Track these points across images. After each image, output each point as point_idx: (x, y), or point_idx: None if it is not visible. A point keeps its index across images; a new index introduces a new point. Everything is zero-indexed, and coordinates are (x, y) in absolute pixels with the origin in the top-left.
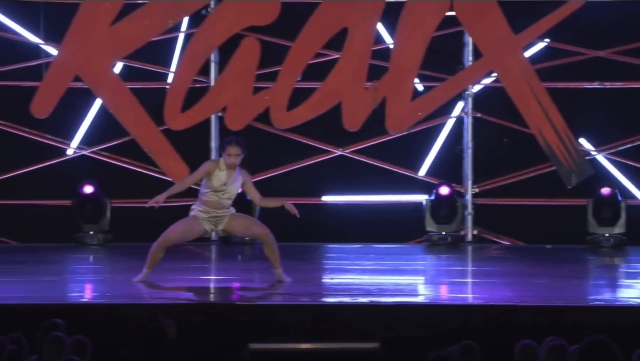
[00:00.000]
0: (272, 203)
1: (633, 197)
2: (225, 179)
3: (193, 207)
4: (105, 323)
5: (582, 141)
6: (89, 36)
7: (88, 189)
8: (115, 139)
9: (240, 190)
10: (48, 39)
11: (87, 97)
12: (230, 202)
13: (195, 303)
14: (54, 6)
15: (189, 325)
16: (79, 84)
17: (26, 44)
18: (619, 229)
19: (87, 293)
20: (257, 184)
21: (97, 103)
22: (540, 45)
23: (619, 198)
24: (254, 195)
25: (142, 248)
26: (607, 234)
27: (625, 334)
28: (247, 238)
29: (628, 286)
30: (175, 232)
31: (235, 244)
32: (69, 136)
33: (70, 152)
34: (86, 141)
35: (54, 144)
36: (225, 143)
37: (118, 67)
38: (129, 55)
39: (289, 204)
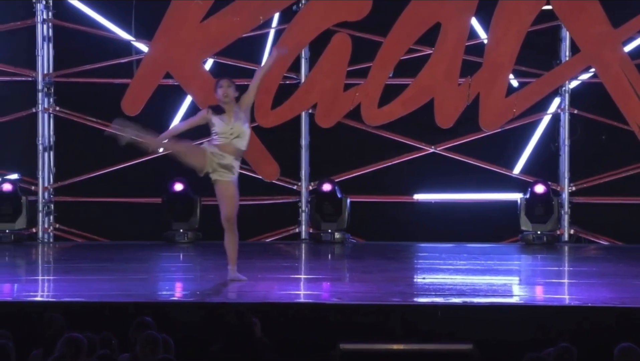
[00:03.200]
0: (265, 66)
1: None
2: (226, 119)
3: (205, 143)
4: (194, 321)
5: None
6: (180, 33)
7: (178, 186)
8: (206, 136)
9: (249, 128)
10: (139, 36)
11: (177, 94)
12: (243, 143)
13: (284, 302)
14: (145, 3)
15: (278, 323)
16: (169, 81)
17: (118, 41)
18: None
19: (177, 291)
20: (347, 182)
21: (188, 100)
22: None
23: None
24: (253, 84)
25: None
26: None
27: None
28: (337, 237)
29: None
30: (182, 144)
31: (326, 243)
32: (160, 133)
33: (161, 149)
34: (177, 138)
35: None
36: (215, 83)
37: (208, 64)
38: (220, 51)
39: (279, 49)
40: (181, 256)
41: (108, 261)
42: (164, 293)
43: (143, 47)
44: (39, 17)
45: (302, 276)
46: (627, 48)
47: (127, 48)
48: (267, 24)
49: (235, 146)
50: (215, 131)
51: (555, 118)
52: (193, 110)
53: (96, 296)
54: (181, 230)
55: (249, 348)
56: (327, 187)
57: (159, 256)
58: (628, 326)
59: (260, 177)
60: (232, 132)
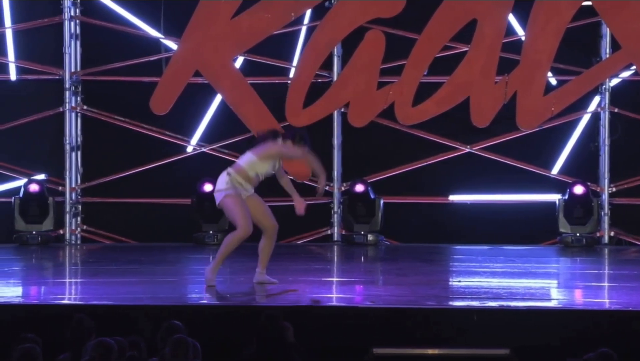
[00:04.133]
0: (290, 188)
1: None
2: (278, 165)
3: (226, 182)
4: (223, 325)
5: None
6: (210, 30)
7: (208, 187)
8: (236, 136)
9: None
10: (168, 34)
11: (207, 93)
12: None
13: (316, 306)
14: (174, 0)
15: (310, 327)
16: (199, 79)
17: (146, 39)
18: None
19: (206, 295)
20: (380, 183)
21: (217, 99)
22: None
23: None
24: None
25: None
26: None
27: None
28: (371, 239)
29: None
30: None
31: (359, 245)
32: (189, 133)
33: (190, 149)
34: (206, 138)
35: (174, 141)
36: (302, 139)
37: (239, 62)
38: (250, 49)
39: (300, 203)
40: (211, 258)
41: (136, 263)
42: (194, 296)
43: (172, 45)
44: (66, 14)
45: (335, 279)
46: None
47: (155, 46)
48: (299, 20)
49: (257, 181)
50: (269, 165)
51: (595, 117)
52: (223, 108)
53: (124, 299)
54: (211, 232)
55: (280, 353)
56: (359, 188)
57: (189, 258)
58: None
59: (292, 177)
60: (268, 174)
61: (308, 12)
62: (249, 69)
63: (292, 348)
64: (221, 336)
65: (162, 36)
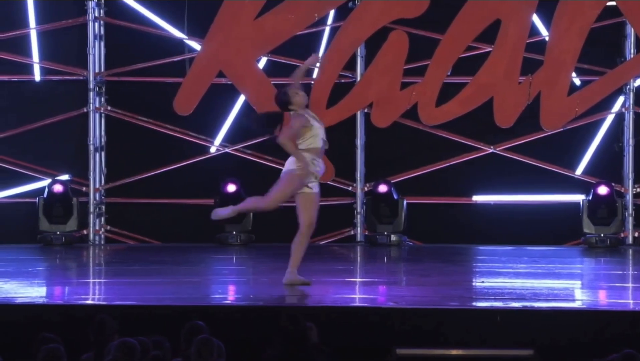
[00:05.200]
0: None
1: None
2: (312, 114)
3: (295, 168)
4: (247, 325)
5: None
6: (233, 31)
7: (231, 187)
8: (259, 137)
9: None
10: (192, 34)
11: (230, 93)
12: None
13: (340, 306)
14: (198, 1)
15: (333, 328)
16: (222, 80)
17: (170, 39)
18: None
19: (229, 295)
20: (405, 183)
21: (241, 99)
22: None
23: None
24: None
25: (284, 249)
26: None
27: None
28: (394, 239)
29: None
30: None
31: (382, 245)
32: (213, 134)
33: (213, 150)
34: (230, 139)
35: (197, 141)
36: (284, 93)
37: (262, 62)
38: (274, 49)
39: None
40: (234, 259)
41: (159, 264)
42: (217, 296)
43: (196, 46)
44: (90, 15)
45: (358, 280)
46: None
47: (179, 46)
48: (323, 21)
49: (321, 143)
50: (313, 134)
51: (619, 117)
52: (246, 109)
53: (148, 300)
54: (234, 232)
55: (303, 354)
56: (383, 188)
57: (211, 259)
58: None
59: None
60: (322, 132)
61: (332, 13)
62: (273, 69)
63: (316, 349)
64: (244, 336)
65: (186, 37)
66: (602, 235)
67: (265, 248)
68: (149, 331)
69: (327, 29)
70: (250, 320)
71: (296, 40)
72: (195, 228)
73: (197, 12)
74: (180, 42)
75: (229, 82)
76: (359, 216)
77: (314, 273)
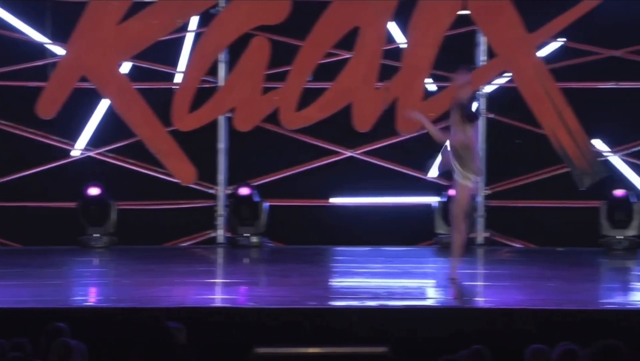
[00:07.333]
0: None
1: None
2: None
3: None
4: (109, 327)
5: (597, 142)
6: (96, 36)
7: (93, 191)
8: (122, 140)
9: None
10: (54, 39)
11: (93, 98)
12: None
13: (200, 307)
14: (61, 5)
15: (194, 328)
16: (85, 84)
17: (31, 44)
18: (632, 231)
19: (91, 297)
20: (266, 186)
21: (104, 104)
22: (555, 45)
23: (633, 199)
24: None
25: (147, 251)
26: (620, 237)
27: (637, 337)
28: (255, 241)
29: None
30: None
31: (243, 247)
32: (75, 137)
33: (75, 153)
34: (92, 142)
35: (60, 145)
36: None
37: (125, 67)
38: (137, 55)
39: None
40: (96, 261)
41: (21, 267)
42: (78, 298)
43: (59, 50)
44: None
45: (219, 281)
46: (543, 53)
47: (41, 51)
48: (185, 27)
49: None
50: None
51: None
52: (109, 114)
53: (8, 302)
54: (96, 235)
55: (168, 355)
56: (244, 191)
57: (74, 261)
58: (540, 327)
59: (178, 181)
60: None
61: (195, 19)
62: (136, 74)
63: (178, 350)
64: (107, 338)
65: (49, 41)
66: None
67: (128, 250)
68: (10, 334)
69: (190, 35)
70: (113, 322)
71: (160, 46)
72: (58, 231)
73: (60, 17)
74: (41, 46)
75: (91, 87)
76: (220, 218)
77: (175, 274)
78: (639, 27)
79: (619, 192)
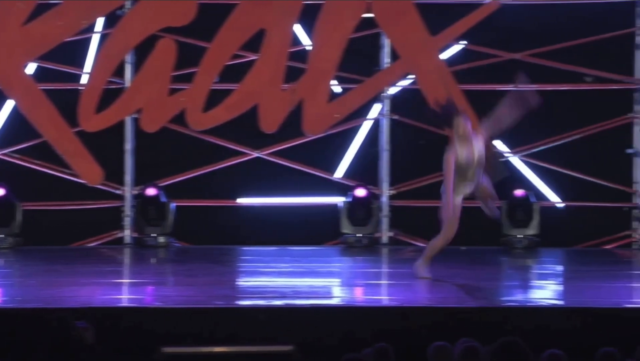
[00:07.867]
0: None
1: (546, 199)
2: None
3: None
4: (13, 329)
5: (497, 143)
6: (1, 37)
7: None
8: (27, 141)
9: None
10: None
11: None
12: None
13: (107, 307)
14: None
15: (101, 328)
16: None
17: None
18: (532, 230)
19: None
20: (173, 186)
21: (9, 104)
22: (457, 48)
23: (533, 199)
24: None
25: (53, 251)
26: (520, 236)
27: (536, 335)
28: (162, 241)
29: (540, 288)
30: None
31: (150, 247)
32: None
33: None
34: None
35: None
36: (451, 115)
37: (31, 68)
38: (42, 55)
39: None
40: (1, 262)
41: None
42: None
43: None
44: None
45: (126, 281)
46: (445, 56)
47: None
48: (91, 28)
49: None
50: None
51: (376, 123)
52: (14, 115)
53: None
54: (1, 235)
55: (76, 355)
56: (151, 191)
57: None
58: (443, 325)
59: (84, 181)
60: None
61: (101, 20)
62: (41, 75)
63: (84, 350)
64: (10, 340)
65: None
66: (359, 235)
67: (34, 251)
68: None
69: (96, 36)
70: (16, 323)
71: (65, 47)
72: None
73: None
74: None
75: None
76: (127, 218)
77: (82, 274)
78: (538, 30)
79: (519, 192)
